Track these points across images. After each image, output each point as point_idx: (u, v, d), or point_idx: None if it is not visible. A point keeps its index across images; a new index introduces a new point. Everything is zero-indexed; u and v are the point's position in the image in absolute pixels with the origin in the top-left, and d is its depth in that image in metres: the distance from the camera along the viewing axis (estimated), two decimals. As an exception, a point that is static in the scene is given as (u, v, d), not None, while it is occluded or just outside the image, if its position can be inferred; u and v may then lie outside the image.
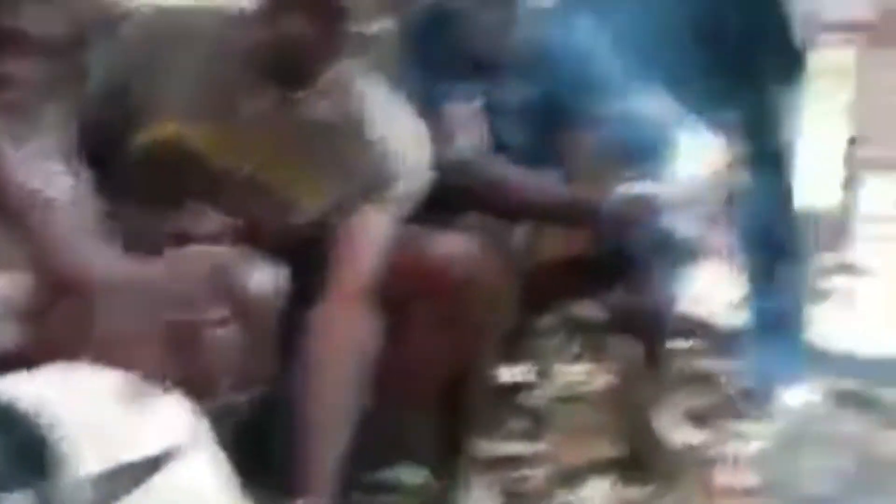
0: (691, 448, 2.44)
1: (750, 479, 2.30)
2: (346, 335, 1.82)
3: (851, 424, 2.46)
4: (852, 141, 3.46)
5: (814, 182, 3.48)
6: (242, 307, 1.66)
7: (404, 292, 1.91)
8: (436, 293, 1.96)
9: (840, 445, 2.21)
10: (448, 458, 2.11)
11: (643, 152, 2.29)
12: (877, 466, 2.14)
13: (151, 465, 1.19)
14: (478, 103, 2.24)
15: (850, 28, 3.38)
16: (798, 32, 2.62)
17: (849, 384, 2.78)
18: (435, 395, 2.06)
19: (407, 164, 1.95)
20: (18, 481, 1.10)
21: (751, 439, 2.49)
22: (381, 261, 1.88)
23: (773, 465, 2.28)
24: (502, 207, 2.17)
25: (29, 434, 1.12)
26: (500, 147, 2.27)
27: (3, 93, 1.51)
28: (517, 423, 2.46)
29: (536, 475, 2.33)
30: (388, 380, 1.87)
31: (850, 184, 3.56)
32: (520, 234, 2.29)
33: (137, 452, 1.20)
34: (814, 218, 3.40)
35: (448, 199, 2.09)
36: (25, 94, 1.53)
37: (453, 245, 2.01)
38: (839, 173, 3.53)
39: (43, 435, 1.12)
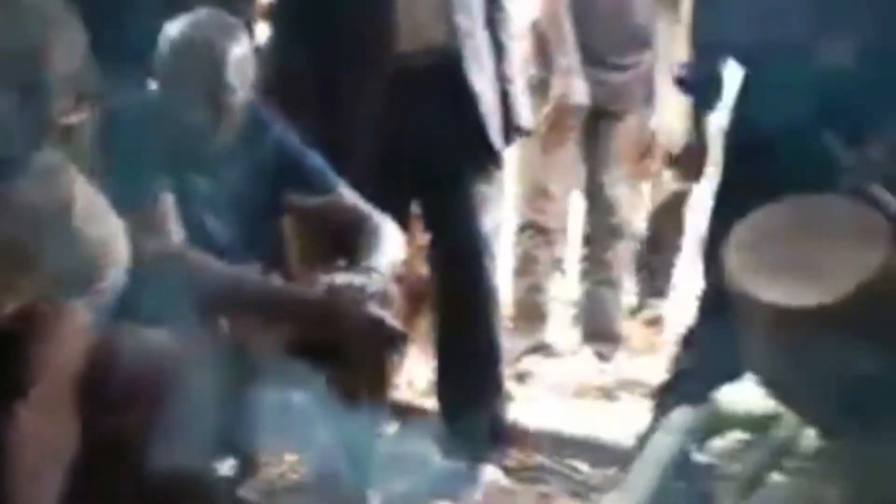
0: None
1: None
2: (45, 440, 1.75)
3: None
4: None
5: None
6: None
7: (110, 390, 1.86)
8: (142, 392, 1.92)
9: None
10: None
11: (349, 241, 2.34)
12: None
13: None
14: (171, 197, 2.22)
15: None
16: None
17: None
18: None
19: (111, 257, 1.92)
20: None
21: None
22: (81, 358, 1.83)
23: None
24: (211, 302, 2.15)
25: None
26: (204, 239, 2.26)
27: None
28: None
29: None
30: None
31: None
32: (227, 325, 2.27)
33: None
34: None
35: (153, 293, 2.06)
36: None
37: (157, 343, 1.97)
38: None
39: None
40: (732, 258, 2.06)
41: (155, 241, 2.13)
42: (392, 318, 2.22)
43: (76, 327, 1.84)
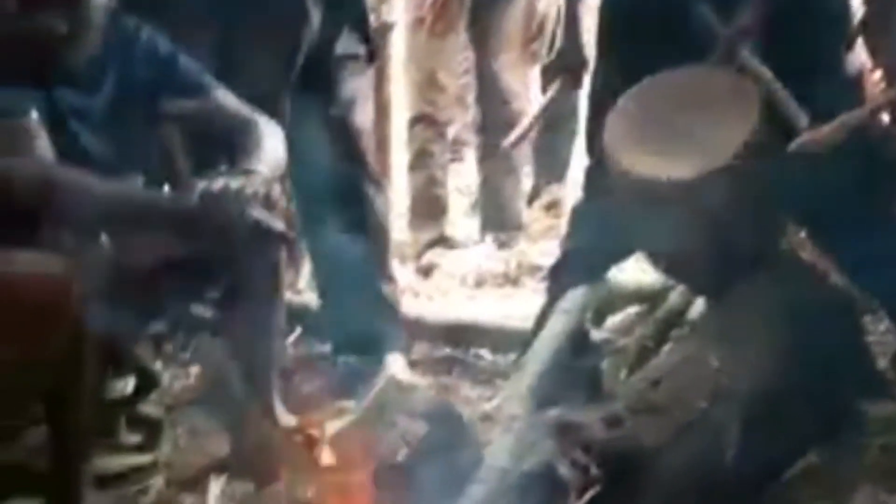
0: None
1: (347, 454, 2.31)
2: None
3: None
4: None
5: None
6: None
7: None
8: (21, 313, 1.87)
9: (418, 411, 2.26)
10: (62, 482, 2.03)
11: (230, 145, 2.29)
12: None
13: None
14: (36, 113, 2.14)
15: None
16: None
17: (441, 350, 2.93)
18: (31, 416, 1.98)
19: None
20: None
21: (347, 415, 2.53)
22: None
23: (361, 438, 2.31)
24: (85, 218, 2.09)
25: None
26: (79, 155, 2.20)
27: None
28: (131, 436, 2.40)
29: (155, 484, 2.29)
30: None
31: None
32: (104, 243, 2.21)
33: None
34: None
35: (22, 214, 2.00)
36: None
37: (33, 263, 1.92)
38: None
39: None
40: (611, 135, 2.06)
41: (22, 160, 2.06)
42: (275, 220, 2.18)
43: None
